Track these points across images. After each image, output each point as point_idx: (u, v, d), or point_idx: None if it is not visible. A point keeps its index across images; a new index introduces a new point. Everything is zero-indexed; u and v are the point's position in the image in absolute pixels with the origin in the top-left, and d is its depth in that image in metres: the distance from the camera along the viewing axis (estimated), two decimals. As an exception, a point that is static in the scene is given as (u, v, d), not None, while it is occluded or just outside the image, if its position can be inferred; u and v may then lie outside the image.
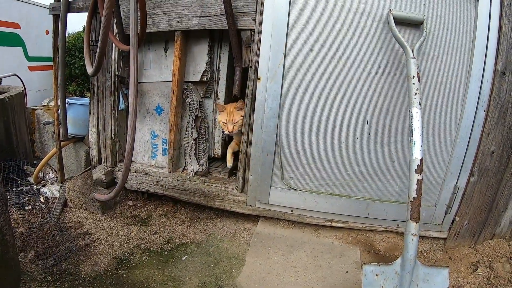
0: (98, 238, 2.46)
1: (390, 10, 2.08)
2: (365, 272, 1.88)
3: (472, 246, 2.36)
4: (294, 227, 2.63)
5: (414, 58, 1.95)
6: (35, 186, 3.36)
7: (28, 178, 3.55)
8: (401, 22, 2.09)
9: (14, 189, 3.26)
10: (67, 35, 3.92)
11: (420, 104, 1.87)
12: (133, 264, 2.25)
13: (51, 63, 4.81)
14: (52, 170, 3.72)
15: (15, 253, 1.87)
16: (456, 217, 2.33)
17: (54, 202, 2.90)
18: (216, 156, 2.95)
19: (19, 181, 3.44)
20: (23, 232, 2.45)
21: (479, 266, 2.19)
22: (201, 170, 2.80)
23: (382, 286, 1.86)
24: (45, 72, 6.38)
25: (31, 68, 6.19)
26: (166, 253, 2.39)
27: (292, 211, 2.55)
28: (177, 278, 2.16)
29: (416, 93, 1.88)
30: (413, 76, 1.91)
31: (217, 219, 2.79)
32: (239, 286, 2.09)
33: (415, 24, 2.11)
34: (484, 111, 2.14)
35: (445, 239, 2.41)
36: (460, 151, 2.22)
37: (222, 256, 2.36)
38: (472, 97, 2.14)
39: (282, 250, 2.39)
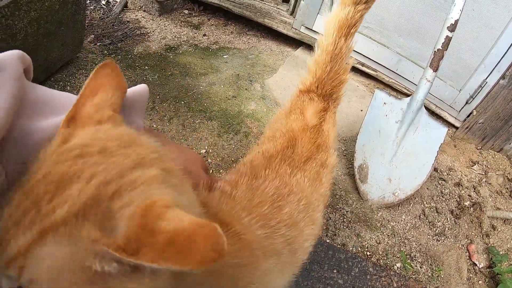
0: (153, 31, 2.75)
1: None
2: (376, 95, 2.01)
3: (478, 148, 2.36)
4: (329, 60, 2.74)
5: None
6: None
7: None
8: None
9: None
10: None
11: None
12: (180, 52, 2.54)
13: None
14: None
15: (83, 18, 2.15)
16: (475, 110, 2.28)
17: (115, 5, 3.17)
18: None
19: None
20: (85, 23, 2.77)
21: (476, 165, 2.23)
22: (258, -13, 2.88)
23: (386, 115, 1.97)
24: None
25: None
26: (210, 50, 2.66)
27: (331, 43, 2.63)
28: (216, 67, 2.44)
29: None
30: None
31: (262, 38, 2.96)
32: (266, 84, 2.34)
33: None
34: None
35: (457, 128, 2.41)
36: (500, 48, 2.09)
37: (258, 63, 2.58)
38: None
39: (313, 73, 2.56)
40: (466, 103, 2.34)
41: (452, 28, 1.80)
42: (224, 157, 1.83)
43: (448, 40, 1.82)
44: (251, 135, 1.98)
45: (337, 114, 1.27)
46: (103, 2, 3.29)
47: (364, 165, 1.93)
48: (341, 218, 1.77)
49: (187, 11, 3.15)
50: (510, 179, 2.17)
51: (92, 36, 2.58)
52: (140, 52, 2.47)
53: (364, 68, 2.61)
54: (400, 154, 1.92)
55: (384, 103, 1.99)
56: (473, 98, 2.29)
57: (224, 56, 2.59)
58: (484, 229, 1.88)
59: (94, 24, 2.76)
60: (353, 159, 1.98)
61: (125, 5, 3.10)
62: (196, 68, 2.40)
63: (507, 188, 2.10)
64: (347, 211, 1.80)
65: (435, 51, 1.84)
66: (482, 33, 2.15)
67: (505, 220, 1.91)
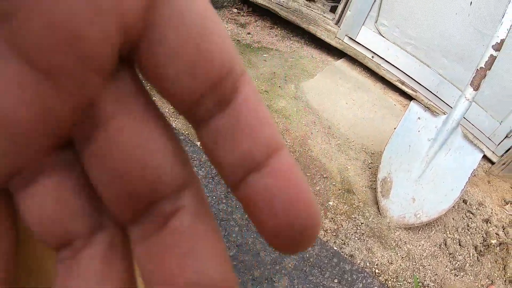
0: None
1: None
2: (411, 108, 1.93)
3: None
4: (368, 78, 2.71)
5: None
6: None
7: None
8: None
9: None
10: None
11: None
12: (222, 43, 2.58)
13: None
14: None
15: None
16: None
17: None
18: (324, -10, 3.03)
19: None
20: None
21: (509, 205, 2.10)
22: (307, -5, 2.92)
23: (419, 131, 1.89)
24: None
25: None
26: (252, 47, 2.68)
27: (372, 57, 2.62)
28: (254, 63, 2.45)
29: None
30: None
31: (305, 44, 2.97)
32: (301, 87, 2.33)
33: None
34: None
35: (493, 163, 2.28)
36: None
37: (297, 66, 2.58)
38: None
39: (349, 85, 2.53)
40: (506, 136, 2.22)
41: (497, 47, 1.73)
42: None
43: (492, 59, 1.75)
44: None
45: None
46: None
47: (388, 179, 1.85)
48: (354, 228, 1.70)
49: (236, 9, 3.20)
50: (543, 224, 2.02)
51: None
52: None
53: (403, 87, 2.56)
54: (428, 174, 1.82)
55: (419, 117, 1.91)
56: None
57: (264, 55, 2.61)
58: (509, 274, 1.74)
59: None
60: (377, 172, 1.90)
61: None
62: (234, 59, 2.42)
63: None
64: (362, 223, 1.73)
65: (477, 69, 1.77)
66: None
67: (531, 267, 1.78)
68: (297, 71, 2.51)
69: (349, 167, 1.96)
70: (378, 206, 1.82)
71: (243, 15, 3.17)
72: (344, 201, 1.77)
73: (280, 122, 2.02)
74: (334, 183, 1.83)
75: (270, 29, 3.08)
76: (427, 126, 1.88)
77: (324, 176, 1.84)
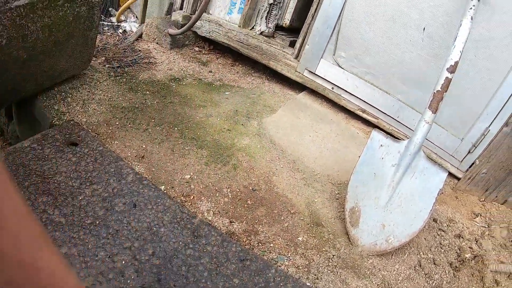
0: (161, 62, 2.83)
1: None
2: (373, 136, 1.98)
3: (481, 200, 2.29)
4: (330, 108, 2.78)
5: None
6: (116, 23, 3.80)
7: (111, 18, 4.00)
8: None
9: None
10: None
11: (472, 18, 1.86)
12: (183, 83, 2.60)
13: None
14: (134, 15, 4.13)
15: (95, 37, 2.22)
16: (477, 160, 2.25)
17: (131, 35, 3.30)
18: (284, 25, 3.12)
19: (103, 17, 3.89)
20: (99, 46, 2.87)
21: (479, 217, 2.16)
22: (267, 31, 3.01)
23: (382, 158, 1.94)
24: None
25: None
26: (213, 85, 2.71)
27: (333, 88, 2.70)
28: (216, 101, 2.47)
29: (471, 8, 1.87)
30: None
31: (266, 80, 3.03)
32: (263, 123, 2.36)
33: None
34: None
35: (459, 179, 2.36)
36: (503, 96, 2.12)
37: (259, 102, 2.61)
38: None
39: (312, 118, 2.58)
40: (469, 152, 2.31)
41: (452, 69, 1.83)
42: (208, 185, 1.80)
43: (447, 81, 1.83)
44: (240, 168, 1.97)
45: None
46: (120, 31, 3.43)
47: (356, 208, 1.87)
48: (326, 261, 1.69)
49: (197, 48, 3.25)
50: (516, 231, 2.07)
51: (103, 58, 2.66)
52: (145, 78, 2.52)
53: (365, 115, 2.63)
54: (396, 199, 1.85)
55: (381, 145, 1.96)
56: (476, 147, 2.26)
57: (226, 93, 2.64)
58: (487, 284, 1.77)
59: (108, 48, 2.86)
60: (344, 202, 1.92)
61: (140, 36, 3.22)
62: (196, 100, 2.43)
63: (511, 241, 2.01)
64: (333, 255, 1.72)
65: (434, 93, 1.85)
66: (485, 78, 2.17)
67: (509, 275, 1.80)
68: (260, 107, 2.54)
69: (316, 200, 1.97)
70: (348, 236, 1.83)
71: (204, 53, 3.22)
72: (313, 234, 1.77)
73: (244, 161, 2.02)
74: (302, 218, 1.83)
75: (232, 66, 3.13)
76: (390, 152, 1.93)
77: (292, 211, 1.84)
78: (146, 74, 2.59)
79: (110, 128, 1.98)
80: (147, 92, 2.37)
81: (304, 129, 2.43)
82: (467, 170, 2.31)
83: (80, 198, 1.53)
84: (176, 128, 2.10)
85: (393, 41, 2.40)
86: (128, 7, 3.88)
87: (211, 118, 2.30)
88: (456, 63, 1.83)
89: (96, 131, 1.93)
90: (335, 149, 2.35)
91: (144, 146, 1.91)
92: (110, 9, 4.16)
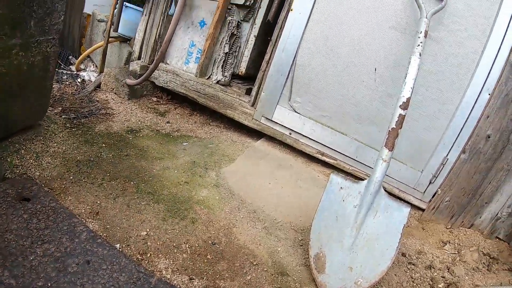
0: (119, 113, 2.82)
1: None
2: (331, 180, 2.00)
3: (448, 227, 2.36)
4: (289, 154, 2.83)
5: (427, 18, 2.09)
6: (75, 72, 3.77)
7: (70, 66, 3.97)
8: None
9: (56, 70, 3.65)
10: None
11: (420, 55, 2.00)
12: (141, 135, 2.59)
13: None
14: (93, 64, 4.11)
15: (50, 86, 2.18)
16: (439, 189, 2.35)
17: (89, 84, 3.29)
18: (240, 73, 3.22)
19: (62, 66, 3.85)
20: (56, 95, 2.84)
21: (448, 245, 2.21)
22: (223, 80, 3.09)
23: (343, 200, 1.95)
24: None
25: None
26: (171, 136, 2.71)
27: (290, 133, 2.78)
28: (173, 153, 2.47)
29: (419, 45, 2.02)
30: (421, 32, 2.05)
31: (224, 129, 3.07)
32: (222, 173, 2.37)
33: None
34: (489, 94, 2.19)
35: (423, 210, 2.44)
36: (457, 124, 2.27)
37: (217, 152, 2.63)
38: (480, 77, 2.20)
39: (271, 165, 2.62)
40: (430, 183, 2.39)
41: (405, 106, 1.91)
42: (166, 241, 1.76)
43: (401, 118, 1.91)
44: (199, 222, 1.94)
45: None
46: (79, 80, 3.40)
47: (321, 254, 1.85)
48: (294, 312, 1.67)
49: (155, 98, 3.27)
50: (486, 253, 2.11)
51: (60, 108, 2.62)
52: (101, 130, 2.49)
53: (324, 158, 2.69)
54: (361, 240, 1.85)
55: (341, 187, 1.97)
56: (436, 177, 2.34)
57: (184, 144, 2.64)
58: None
59: (65, 98, 2.82)
60: (308, 249, 1.89)
61: (98, 86, 3.21)
62: (153, 152, 2.42)
63: (483, 263, 2.04)
64: (300, 305, 1.71)
65: (389, 130, 1.91)
66: (438, 110, 2.30)
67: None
68: (218, 157, 2.56)
69: (279, 249, 1.95)
70: (315, 283, 1.79)
71: (162, 104, 3.24)
72: (279, 285, 1.73)
73: (203, 213, 2.01)
74: (265, 269, 1.80)
75: (190, 116, 3.16)
76: (351, 194, 1.95)
77: (254, 263, 1.81)
78: (103, 125, 2.56)
79: (64, 182, 1.92)
80: (103, 145, 2.34)
81: (264, 177, 2.45)
82: (430, 200, 2.39)
83: (31, 258, 1.45)
84: (132, 182, 2.07)
85: (346, 82, 2.53)
86: (88, 56, 3.87)
87: (168, 170, 2.28)
88: (408, 99, 1.91)
89: (50, 186, 1.87)
90: (296, 195, 2.37)
91: (98, 202, 1.86)
92: (70, 57, 4.13)
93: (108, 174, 2.07)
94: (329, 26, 2.52)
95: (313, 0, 2.53)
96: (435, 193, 2.38)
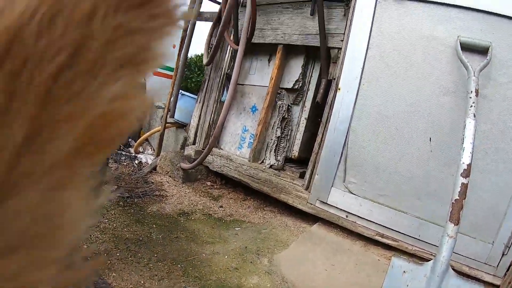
0: (172, 196, 2.81)
1: (458, 36, 2.20)
2: (393, 264, 1.84)
3: None
4: (346, 238, 2.62)
5: (475, 76, 2.01)
6: (133, 154, 3.93)
7: (129, 148, 4.16)
8: (468, 48, 2.17)
9: (116, 150, 3.83)
10: (189, 56, 4.68)
11: (474, 116, 1.90)
12: (192, 218, 2.53)
13: (170, 73, 5.47)
14: (151, 148, 4.29)
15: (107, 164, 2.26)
16: None
17: (145, 166, 3.38)
18: (293, 157, 3.17)
19: (121, 147, 4.05)
20: (113, 174, 2.93)
21: None
22: (276, 164, 3.05)
23: (407, 285, 1.77)
24: (164, 79, 7.24)
25: (154, 73, 7.06)
26: (223, 221, 2.63)
27: (347, 216, 2.60)
28: (225, 238, 2.36)
29: (471, 106, 1.92)
30: (471, 91, 1.96)
31: (278, 213, 2.95)
32: (275, 260, 2.20)
33: (483, 51, 2.16)
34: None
35: (498, 286, 2.11)
36: None
37: (270, 238, 2.49)
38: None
39: (328, 250, 2.42)
40: (503, 254, 2.07)
41: (466, 173, 1.75)
42: (211, 333, 1.59)
43: (464, 187, 1.74)
44: (248, 312, 1.76)
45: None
46: (136, 162, 3.53)
47: None
48: None
49: (209, 182, 3.27)
50: None
51: (115, 187, 2.67)
52: (153, 211, 2.48)
53: (384, 240, 2.45)
54: None
55: (404, 271, 1.79)
56: (510, 247, 2.04)
57: (236, 229, 2.54)
58: None
59: (121, 177, 2.89)
60: None
61: (154, 168, 3.29)
62: (204, 235, 2.33)
63: None
64: None
65: (452, 202, 1.74)
66: (503, 172, 2.08)
67: None
68: (271, 242, 2.41)
69: None
70: None
71: (216, 188, 3.22)
72: None
73: (253, 303, 1.83)
74: None
75: (243, 200, 3.09)
76: (416, 278, 1.75)
77: None
78: (156, 206, 2.55)
79: (110, 258, 1.87)
80: (154, 225, 2.30)
81: (320, 263, 2.24)
82: (505, 274, 2.06)
83: None
84: (179, 265, 1.96)
85: (400, 156, 2.39)
86: (146, 140, 4.06)
87: (218, 255, 2.16)
88: (469, 166, 1.77)
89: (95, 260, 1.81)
90: (355, 281, 2.12)
91: (142, 282, 1.76)
92: (129, 139, 4.36)
93: (155, 255, 1.99)
94: (378, 103, 2.46)
95: (359, 77, 2.52)
96: (510, 266, 2.05)
